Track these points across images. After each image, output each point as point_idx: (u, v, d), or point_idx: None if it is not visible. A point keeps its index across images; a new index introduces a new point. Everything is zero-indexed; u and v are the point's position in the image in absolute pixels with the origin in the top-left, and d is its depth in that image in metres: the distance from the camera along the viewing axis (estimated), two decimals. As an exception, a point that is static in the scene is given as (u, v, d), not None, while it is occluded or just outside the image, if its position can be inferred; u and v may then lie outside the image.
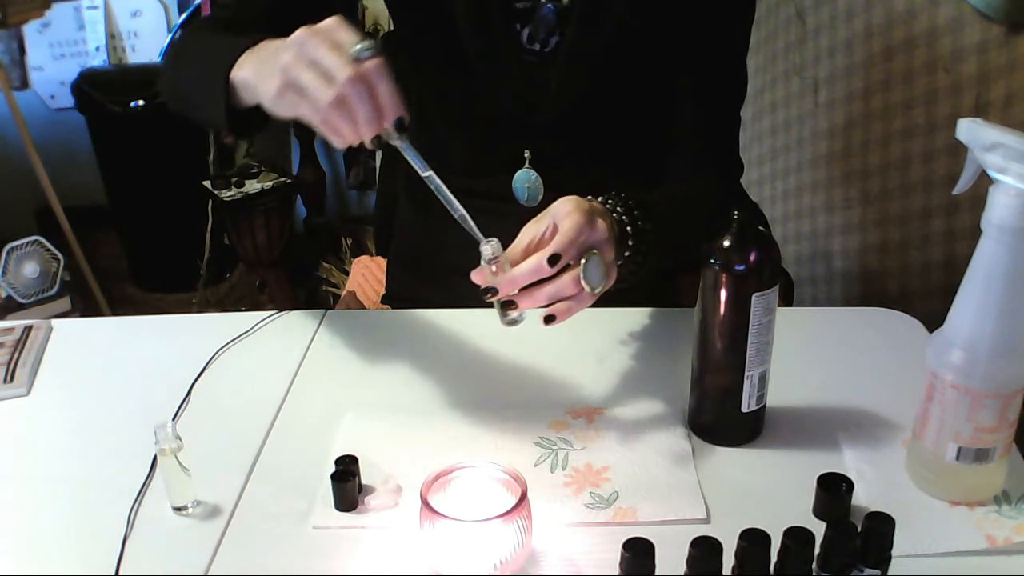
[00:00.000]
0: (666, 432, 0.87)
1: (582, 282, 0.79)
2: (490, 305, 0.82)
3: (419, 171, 0.82)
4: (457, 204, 0.82)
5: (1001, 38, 1.34)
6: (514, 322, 0.82)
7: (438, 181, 0.82)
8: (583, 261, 0.80)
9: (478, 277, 0.82)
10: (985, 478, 0.77)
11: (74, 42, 3.00)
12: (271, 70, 0.81)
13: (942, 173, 1.51)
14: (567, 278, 0.80)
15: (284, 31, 0.82)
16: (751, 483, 0.81)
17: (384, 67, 0.78)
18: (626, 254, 0.87)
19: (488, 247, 0.81)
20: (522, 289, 0.80)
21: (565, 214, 0.81)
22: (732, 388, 0.83)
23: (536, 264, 0.78)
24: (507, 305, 0.81)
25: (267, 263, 2.63)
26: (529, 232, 0.83)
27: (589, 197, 0.87)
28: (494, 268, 0.81)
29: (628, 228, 0.87)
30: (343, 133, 0.79)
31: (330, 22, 0.80)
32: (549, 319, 0.81)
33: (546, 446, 0.86)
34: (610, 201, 0.88)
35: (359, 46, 0.77)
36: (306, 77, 0.78)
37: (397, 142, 0.81)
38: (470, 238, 0.82)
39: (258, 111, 0.87)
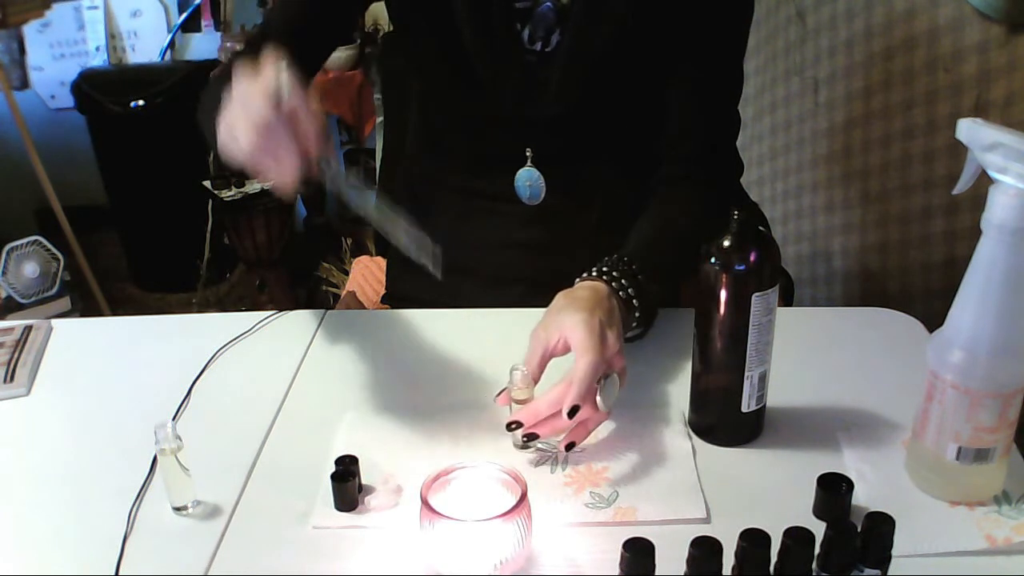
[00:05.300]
0: (666, 432, 0.87)
1: (598, 402, 0.81)
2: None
3: (353, 207, 0.82)
4: (406, 239, 0.82)
5: (1001, 38, 1.34)
6: (527, 447, 0.85)
7: (383, 214, 0.82)
8: (597, 385, 0.81)
9: (503, 400, 0.85)
10: (985, 478, 0.77)
11: (74, 42, 3.00)
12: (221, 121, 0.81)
13: (942, 173, 1.51)
14: (585, 409, 0.81)
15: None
16: (751, 483, 0.81)
17: (303, 101, 0.77)
18: (633, 325, 0.91)
19: (518, 373, 0.83)
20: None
21: (578, 345, 0.81)
22: (732, 388, 0.83)
23: (558, 413, 0.80)
24: (529, 436, 0.83)
25: (267, 263, 2.63)
26: (540, 343, 0.85)
27: (592, 272, 0.89)
28: (517, 392, 0.84)
29: (635, 301, 0.90)
30: (270, 173, 0.78)
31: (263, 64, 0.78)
32: (570, 447, 0.82)
33: (546, 446, 0.86)
34: (614, 273, 0.90)
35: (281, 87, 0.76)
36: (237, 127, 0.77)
37: (329, 179, 0.81)
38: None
39: None
